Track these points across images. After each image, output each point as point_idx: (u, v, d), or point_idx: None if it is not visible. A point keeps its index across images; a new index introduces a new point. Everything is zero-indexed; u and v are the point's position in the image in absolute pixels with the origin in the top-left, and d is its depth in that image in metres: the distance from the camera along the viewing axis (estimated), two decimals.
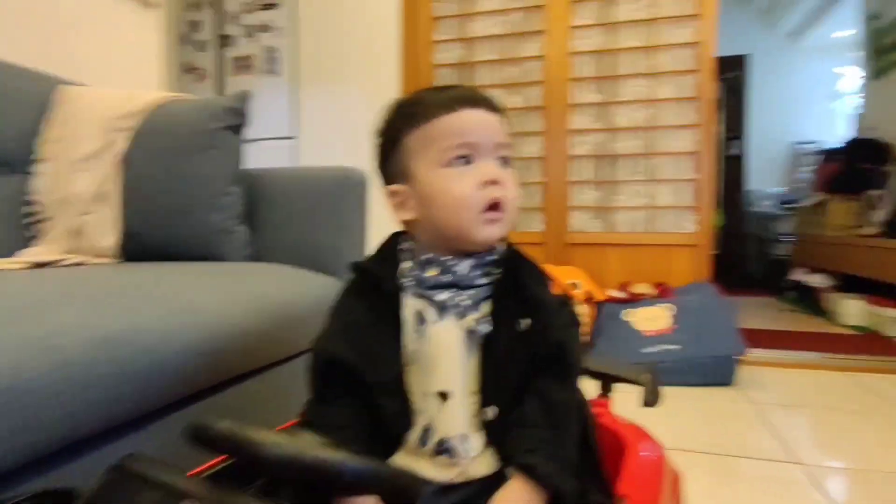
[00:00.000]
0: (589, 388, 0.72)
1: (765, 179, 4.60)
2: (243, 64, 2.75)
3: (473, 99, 0.54)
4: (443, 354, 0.53)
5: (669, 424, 1.38)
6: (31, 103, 1.13)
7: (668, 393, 1.66)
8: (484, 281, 0.54)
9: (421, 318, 0.53)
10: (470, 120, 0.53)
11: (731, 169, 4.48)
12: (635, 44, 2.26)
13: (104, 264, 1.03)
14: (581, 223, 2.34)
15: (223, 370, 0.76)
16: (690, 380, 1.72)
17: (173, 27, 2.87)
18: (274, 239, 1.21)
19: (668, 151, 2.24)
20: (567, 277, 2.03)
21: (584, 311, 1.91)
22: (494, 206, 0.52)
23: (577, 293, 1.97)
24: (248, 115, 1.18)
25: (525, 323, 0.52)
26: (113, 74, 1.56)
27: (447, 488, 0.53)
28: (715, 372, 1.73)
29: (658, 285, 2.15)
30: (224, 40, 2.79)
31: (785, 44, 4.70)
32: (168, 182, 1.09)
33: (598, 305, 2.05)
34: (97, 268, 0.92)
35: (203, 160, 1.10)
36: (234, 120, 1.15)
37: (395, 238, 0.59)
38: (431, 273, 0.54)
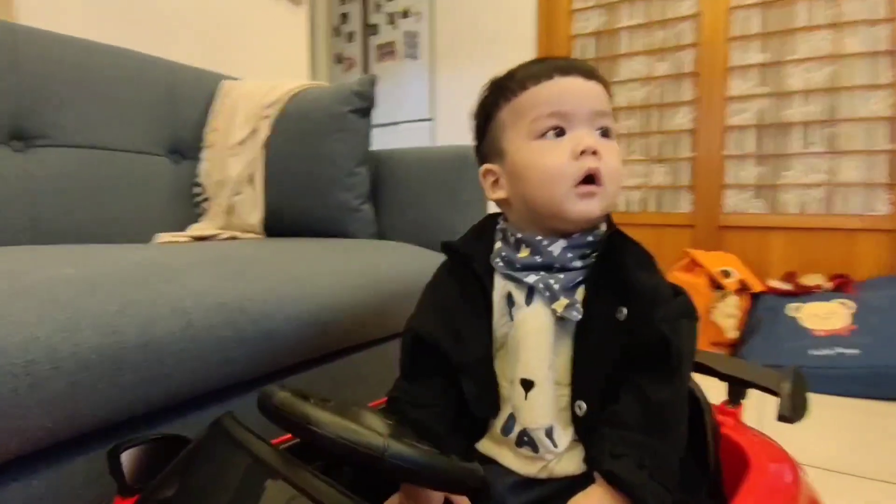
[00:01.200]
0: (717, 393, 0.63)
1: None
2: (386, 50, 2.89)
3: (566, 67, 0.50)
4: (529, 340, 0.50)
5: (837, 442, 1.16)
6: (200, 98, 1.30)
7: (843, 405, 1.42)
8: (579, 264, 0.50)
9: (510, 301, 0.51)
10: (562, 88, 0.49)
11: None
12: None
13: (250, 239, 1.15)
14: (738, 203, 2.06)
15: (331, 341, 0.80)
16: (874, 392, 1.43)
17: (327, 21, 3.11)
18: (397, 217, 1.25)
19: (855, 117, 1.86)
20: (717, 264, 1.80)
21: (734, 303, 1.69)
22: (590, 179, 0.48)
23: (729, 282, 1.74)
24: (374, 98, 1.22)
25: (623, 311, 0.47)
26: (269, 67, 1.73)
27: (530, 482, 0.50)
28: None
29: (835, 277, 1.81)
30: (369, 29, 2.95)
31: None
32: (302, 164, 1.18)
33: (755, 297, 1.79)
34: (234, 242, 1.02)
35: (333, 142, 1.17)
36: (362, 103, 1.20)
37: (490, 219, 0.58)
38: (523, 254, 0.51)
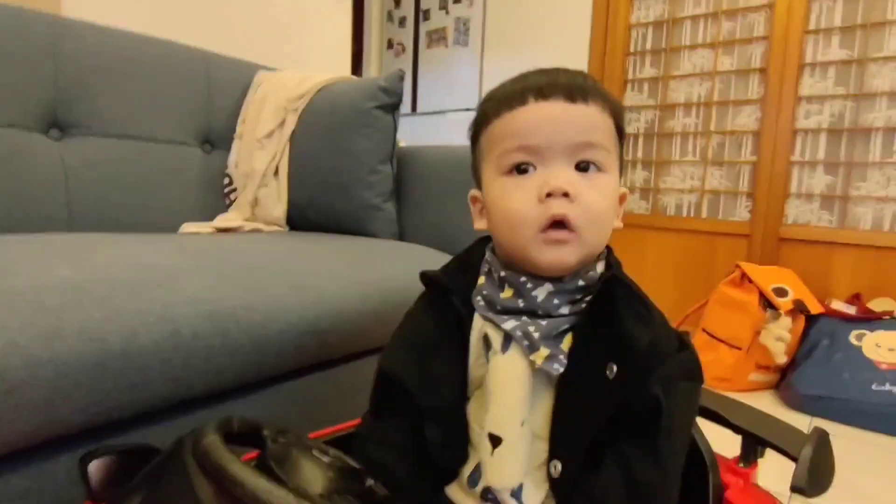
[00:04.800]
0: (728, 446, 0.57)
1: None
2: (437, 37, 2.84)
3: (546, 87, 0.43)
4: (500, 393, 0.45)
5: None
6: (236, 88, 1.31)
7: None
8: (567, 310, 0.44)
9: (488, 343, 0.47)
10: (535, 117, 0.43)
11: None
12: None
13: (270, 233, 1.16)
14: (802, 214, 1.89)
15: (331, 350, 0.79)
16: None
17: (381, 6, 3.09)
18: (418, 217, 1.22)
19: None
20: (771, 280, 1.66)
21: (786, 326, 1.56)
22: (558, 224, 0.42)
23: (782, 302, 1.61)
24: (402, 94, 1.19)
25: (613, 368, 0.41)
26: (313, 56, 1.73)
27: None
28: None
29: None
30: (421, 15, 2.90)
31: None
32: (326, 159, 1.17)
33: (811, 319, 1.64)
34: (250, 237, 1.02)
35: (357, 138, 1.15)
36: (388, 99, 1.17)
37: (479, 245, 0.52)
38: (506, 294, 0.46)
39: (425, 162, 1.23)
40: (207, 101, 1.25)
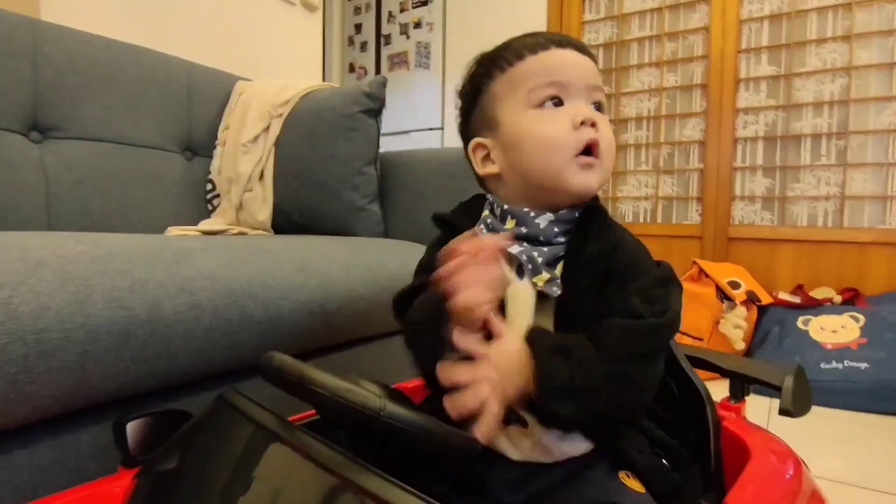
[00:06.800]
0: (719, 390, 0.63)
1: None
2: (398, 60, 2.93)
3: (561, 40, 0.51)
4: (513, 315, 0.49)
5: (847, 455, 1.14)
6: (215, 98, 1.32)
7: (853, 420, 1.40)
8: (562, 239, 0.49)
9: None
10: (560, 59, 0.50)
11: None
12: (826, 2, 1.90)
13: (259, 235, 1.17)
14: (747, 215, 2.05)
15: (337, 332, 0.81)
16: (884, 407, 1.41)
17: (341, 31, 3.16)
18: (402, 217, 1.26)
19: (867, 129, 1.85)
20: (726, 275, 1.79)
21: (742, 315, 1.67)
22: (590, 150, 0.48)
23: (737, 293, 1.73)
24: (384, 99, 1.24)
25: (589, 284, 0.46)
26: (284, 71, 1.76)
27: (527, 479, 0.48)
28: None
29: (845, 291, 1.80)
30: (382, 39, 3.00)
31: None
32: (312, 163, 1.20)
33: (763, 309, 1.78)
34: (246, 236, 1.04)
35: (342, 142, 1.19)
36: (372, 104, 1.22)
37: (480, 197, 0.57)
38: (509, 225, 0.50)
39: (407, 165, 1.28)
40: (188, 109, 1.26)
